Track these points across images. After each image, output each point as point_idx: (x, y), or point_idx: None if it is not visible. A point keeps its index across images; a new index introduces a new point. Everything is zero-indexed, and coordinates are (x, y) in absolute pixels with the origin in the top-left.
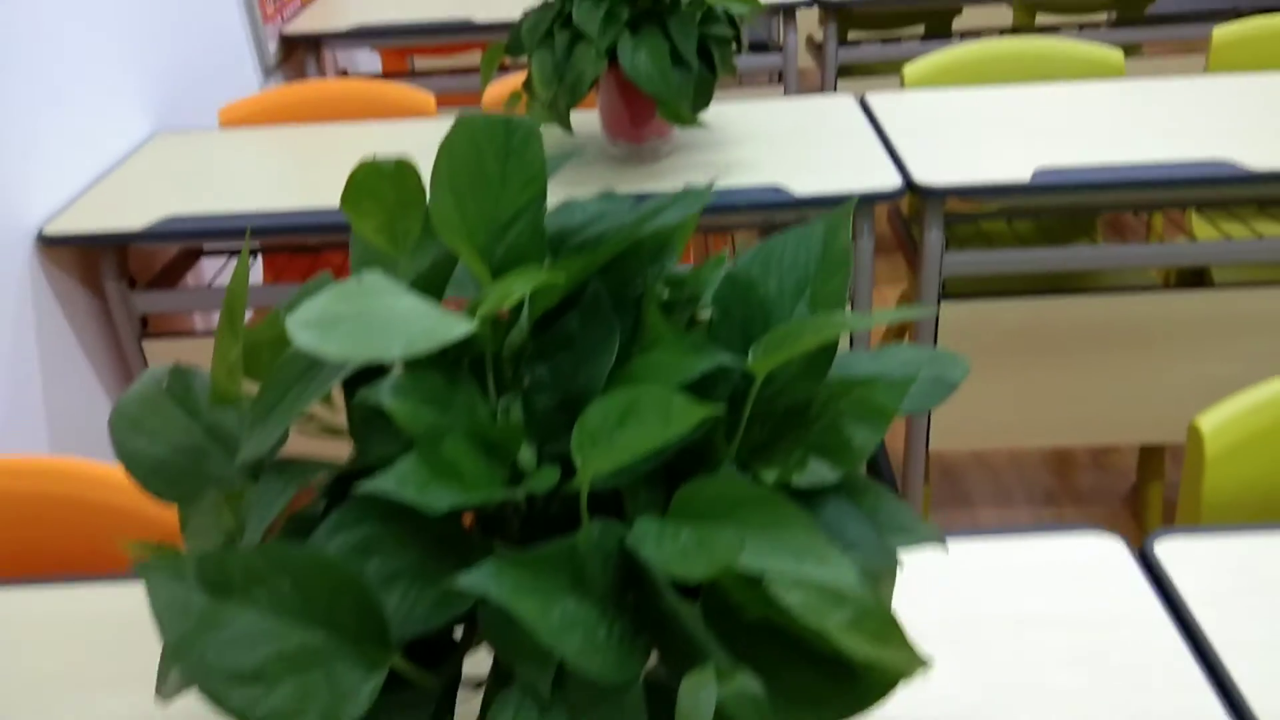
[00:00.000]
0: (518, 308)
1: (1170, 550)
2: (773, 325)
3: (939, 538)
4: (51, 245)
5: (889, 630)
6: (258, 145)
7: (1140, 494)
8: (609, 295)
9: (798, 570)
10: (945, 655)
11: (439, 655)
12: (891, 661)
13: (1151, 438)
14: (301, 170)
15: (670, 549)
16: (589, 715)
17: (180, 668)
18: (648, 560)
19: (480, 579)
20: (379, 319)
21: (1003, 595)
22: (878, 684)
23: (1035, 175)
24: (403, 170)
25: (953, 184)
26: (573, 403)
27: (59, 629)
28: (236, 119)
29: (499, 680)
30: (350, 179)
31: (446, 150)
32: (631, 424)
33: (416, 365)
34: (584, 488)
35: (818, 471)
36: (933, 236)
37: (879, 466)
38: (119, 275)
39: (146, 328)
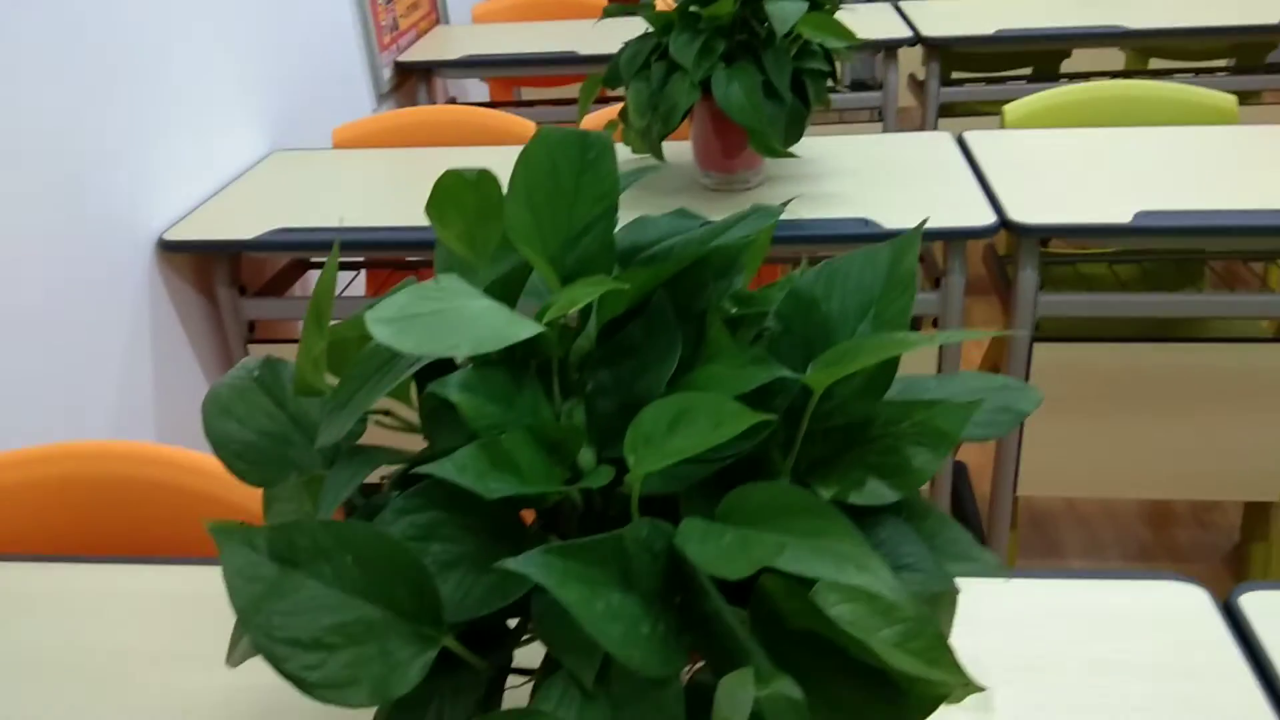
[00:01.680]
0: (585, 317)
1: (1257, 604)
2: (834, 343)
3: (1001, 569)
4: (170, 250)
5: (937, 650)
6: (366, 165)
7: (1243, 553)
8: (674, 307)
9: (836, 576)
10: (1017, 695)
11: (492, 643)
12: (938, 681)
13: (1254, 495)
14: (406, 190)
15: (713, 548)
16: (629, 708)
17: (247, 634)
18: (692, 558)
19: (529, 564)
20: (452, 318)
21: (1079, 638)
22: (921, 702)
23: (1136, 217)
24: (484, 181)
25: (1049, 223)
26: (633, 409)
27: (150, 606)
28: (348, 140)
29: (548, 672)
30: (436, 187)
31: (524, 162)
32: (683, 427)
33: (486, 363)
34: (635, 486)
35: (876, 491)
36: (1027, 275)
37: (964, 509)
38: (231, 282)
39: (253, 332)
